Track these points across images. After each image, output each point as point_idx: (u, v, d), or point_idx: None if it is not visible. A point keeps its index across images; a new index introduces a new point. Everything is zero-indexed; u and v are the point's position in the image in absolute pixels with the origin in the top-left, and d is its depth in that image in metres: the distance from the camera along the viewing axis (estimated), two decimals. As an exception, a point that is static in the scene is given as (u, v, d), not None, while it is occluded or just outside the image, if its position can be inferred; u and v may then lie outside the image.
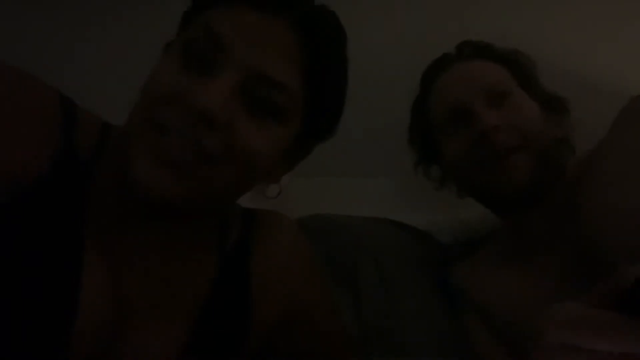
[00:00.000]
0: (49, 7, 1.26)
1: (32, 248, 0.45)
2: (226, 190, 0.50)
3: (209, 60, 0.47)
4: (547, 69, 0.90)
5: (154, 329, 0.52)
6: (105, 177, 0.51)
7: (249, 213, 0.63)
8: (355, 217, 1.01)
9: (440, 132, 0.85)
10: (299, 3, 0.51)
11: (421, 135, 0.92)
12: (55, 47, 1.24)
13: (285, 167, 0.57)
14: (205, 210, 0.56)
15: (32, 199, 0.46)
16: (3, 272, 0.43)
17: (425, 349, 0.79)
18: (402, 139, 0.96)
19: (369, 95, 1.12)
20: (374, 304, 0.85)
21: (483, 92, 0.79)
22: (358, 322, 0.83)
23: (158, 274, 0.53)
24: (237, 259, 0.59)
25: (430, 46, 0.92)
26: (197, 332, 0.54)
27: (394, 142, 0.96)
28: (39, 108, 0.48)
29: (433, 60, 0.91)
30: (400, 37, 1.21)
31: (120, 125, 0.55)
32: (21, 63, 0.49)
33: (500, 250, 0.86)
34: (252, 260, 0.60)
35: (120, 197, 0.51)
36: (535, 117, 0.80)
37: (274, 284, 0.61)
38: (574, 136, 0.87)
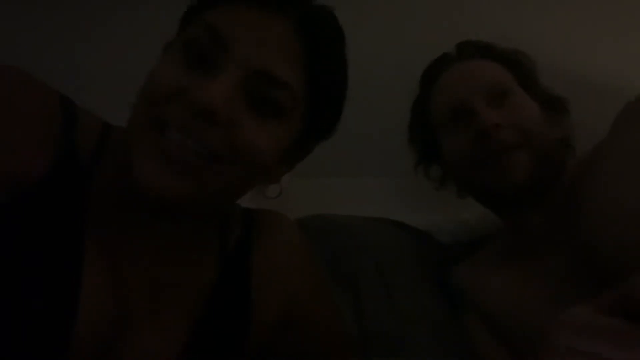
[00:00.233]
0: (48, 7, 1.26)
1: (33, 248, 0.45)
2: (229, 189, 0.50)
3: (211, 59, 0.47)
4: (547, 68, 0.90)
5: (154, 329, 0.52)
6: (106, 177, 0.51)
7: (249, 213, 0.63)
8: (356, 217, 1.01)
9: (440, 131, 0.86)
10: (300, 2, 0.51)
11: (421, 134, 0.92)
12: (55, 48, 1.23)
13: (286, 167, 0.57)
14: (207, 210, 0.55)
15: (32, 199, 0.46)
16: (3, 272, 0.43)
17: (425, 349, 0.79)
18: (402, 139, 0.96)
19: (369, 95, 1.12)
20: (374, 304, 0.85)
21: (483, 91, 0.79)
22: (358, 322, 0.83)
23: (158, 274, 0.53)
24: (237, 259, 0.59)
25: (430, 46, 0.92)
26: (197, 332, 0.54)
27: (394, 142, 0.96)
28: (39, 108, 0.48)
29: (433, 60, 0.91)
30: (401, 37, 1.21)
31: (120, 125, 0.55)
32: (21, 63, 0.49)
33: (500, 250, 0.86)
34: (252, 261, 0.60)
35: (121, 197, 0.51)
36: (535, 117, 0.80)
37: (274, 284, 0.61)
38: (574, 136, 0.87)
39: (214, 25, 0.47)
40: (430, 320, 0.83)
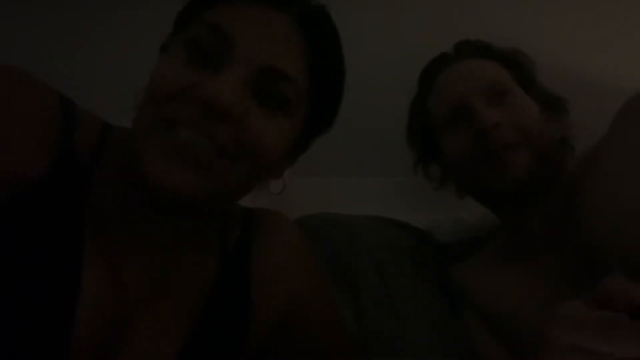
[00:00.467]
0: (48, 7, 1.26)
1: (32, 248, 0.45)
2: (238, 185, 0.51)
3: (215, 57, 0.47)
4: (547, 68, 0.90)
5: (154, 329, 0.52)
6: (106, 177, 0.51)
7: (249, 213, 0.63)
8: (356, 216, 1.01)
9: (440, 131, 0.86)
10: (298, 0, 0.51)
11: (420, 134, 0.92)
12: (55, 48, 1.24)
13: (289, 162, 0.58)
14: (215, 207, 0.56)
15: (32, 199, 0.46)
16: (3, 272, 0.43)
17: (425, 349, 0.79)
18: (402, 138, 0.96)
19: (369, 95, 1.12)
20: (374, 304, 0.85)
21: (483, 90, 0.80)
22: (358, 322, 0.83)
23: (158, 274, 0.53)
24: (237, 259, 0.59)
25: (430, 46, 0.92)
26: (197, 332, 0.54)
27: (394, 142, 0.96)
28: (39, 108, 0.48)
29: (432, 59, 0.91)
30: (400, 37, 1.21)
31: (120, 125, 0.55)
32: (21, 63, 0.49)
33: (500, 250, 0.86)
34: (252, 260, 0.60)
35: (121, 198, 0.51)
36: (534, 116, 0.80)
37: (274, 284, 0.61)
38: (574, 136, 0.87)
39: (218, 24, 0.48)
40: (430, 320, 0.83)
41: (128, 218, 0.51)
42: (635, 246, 0.60)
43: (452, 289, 0.86)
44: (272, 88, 0.48)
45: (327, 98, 0.55)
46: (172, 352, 0.52)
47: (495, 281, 0.81)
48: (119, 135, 0.53)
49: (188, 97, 0.45)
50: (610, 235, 0.65)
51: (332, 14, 0.56)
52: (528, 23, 1.19)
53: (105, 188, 0.51)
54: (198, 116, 0.45)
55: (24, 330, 0.43)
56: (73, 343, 0.44)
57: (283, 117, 0.50)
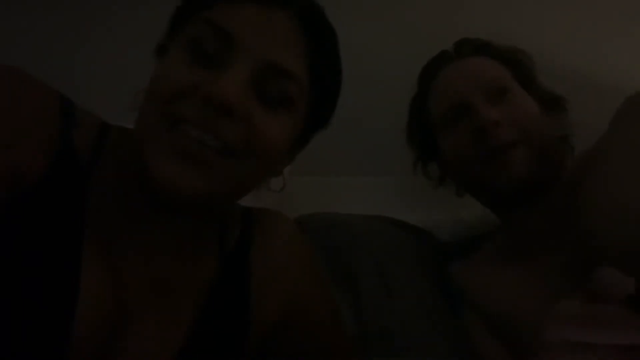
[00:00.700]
0: (48, 7, 1.26)
1: (32, 248, 0.45)
2: (243, 183, 0.51)
3: (218, 56, 0.47)
4: (547, 67, 0.90)
5: (153, 328, 0.52)
6: (105, 177, 0.51)
7: (249, 212, 0.63)
8: (355, 215, 1.01)
9: (439, 129, 0.86)
10: None
11: (420, 133, 0.92)
12: (55, 48, 1.24)
13: (289, 159, 0.58)
14: (220, 205, 0.56)
15: (31, 199, 0.46)
16: (2, 272, 0.43)
17: (425, 348, 0.79)
18: (401, 137, 0.96)
19: (368, 94, 1.12)
20: (374, 303, 0.85)
21: (482, 88, 0.80)
22: (358, 322, 0.83)
23: (158, 274, 0.53)
24: (237, 259, 0.59)
25: (429, 45, 0.92)
26: (197, 332, 0.54)
27: (394, 141, 0.96)
28: (39, 108, 0.48)
29: (431, 58, 0.91)
30: (399, 37, 1.21)
31: (120, 125, 0.55)
32: (21, 63, 0.49)
33: (499, 249, 0.86)
34: (252, 260, 0.60)
35: (120, 197, 0.51)
36: (534, 114, 0.80)
37: (274, 284, 0.61)
38: (574, 135, 0.87)
39: (219, 23, 0.48)
40: (429, 320, 0.83)
41: (128, 218, 0.51)
42: (635, 245, 0.60)
43: (452, 288, 0.86)
44: (275, 85, 0.49)
45: (326, 95, 0.56)
46: (172, 352, 0.52)
47: (495, 280, 0.81)
48: (119, 135, 0.54)
49: (193, 96, 0.46)
50: (610, 234, 0.65)
51: (332, 13, 0.56)
52: (527, 22, 1.19)
53: (104, 188, 0.51)
54: (204, 115, 0.45)
55: (23, 330, 0.43)
56: (72, 343, 0.44)
57: (286, 114, 0.50)
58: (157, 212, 0.52)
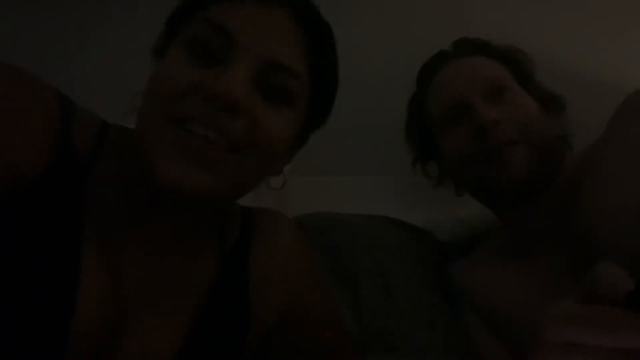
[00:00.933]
0: (48, 7, 1.26)
1: (31, 246, 0.45)
2: (246, 180, 0.52)
3: (219, 54, 0.48)
4: (545, 66, 0.90)
5: (153, 328, 0.52)
6: (105, 176, 0.51)
7: (248, 212, 0.63)
8: (355, 215, 1.01)
9: (438, 128, 0.86)
10: None
11: (419, 132, 0.92)
12: (54, 48, 1.24)
13: (288, 158, 0.59)
14: (221, 205, 0.57)
15: (31, 197, 0.46)
16: (2, 270, 0.43)
17: (424, 347, 0.79)
18: (401, 137, 0.96)
19: (367, 93, 1.12)
20: (374, 303, 0.85)
21: (481, 87, 0.80)
22: (357, 322, 0.83)
23: (157, 273, 0.53)
24: (237, 259, 0.59)
25: (428, 44, 0.92)
26: (197, 331, 0.54)
27: (393, 140, 0.97)
28: (38, 106, 0.48)
29: (430, 57, 0.92)
30: (398, 36, 1.21)
31: (119, 124, 0.55)
32: (21, 63, 0.49)
33: (499, 248, 0.86)
34: (252, 260, 0.60)
35: (121, 196, 0.51)
36: (533, 113, 0.80)
37: (274, 284, 0.61)
38: (573, 134, 0.87)
39: (219, 22, 0.48)
40: (429, 320, 0.83)
41: (127, 217, 0.51)
42: (635, 244, 0.60)
43: (452, 288, 0.87)
44: (277, 82, 0.49)
45: (325, 92, 0.56)
46: (172, 351, 0.52)
47: (494, 280, 0.81)
48: (118, 134, 0.54)
49: (196, 95, 0.46)
50: (610, 232, 0.65)
51: (332, 13, 0.57)
52: (526, 22, 1.19)
53: (104, 186, 0.51)
54: (208, 112, 0.46)
55: (23, 328, 0.43)
56: (71, 341, 0.44)
57: (287, 110, 0.51)
58: (157, 212, 0.52)
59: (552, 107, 0.85)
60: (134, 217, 0.52)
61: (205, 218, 0.57)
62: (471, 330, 0.81)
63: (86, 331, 0.46)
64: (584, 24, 1.18)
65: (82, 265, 0.47)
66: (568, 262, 0.72)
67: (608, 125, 0.73)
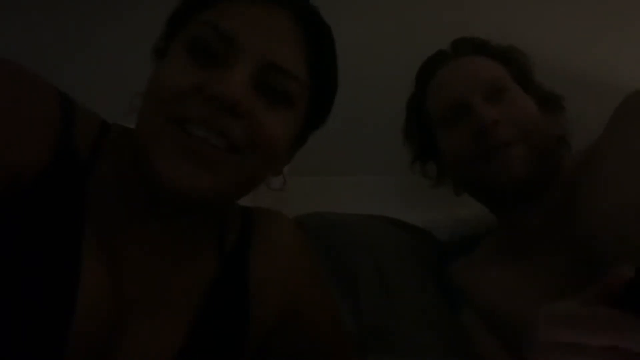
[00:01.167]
0: (48, 7, 1.26)
1: (31, 246, 0.45)
2: (248, 181, 0.52)
3: (220, 56, 0.48)
4: (544, 66, 0.90)
5: (152, 327, 0.52)
6: (105, 175, 0.51)
7: (248, 212, 0.63)
8: (354, 215, 1.01)
9: (438, 128, 0.86)
10: None
11: (417, 132, 0.92)
12: (54, 48, 1.24)
13: (288, 158, 0.59)
14: (221, 205, 0.57)
15: (31, 196, 0.46)
16: (2, 268, 0.43)
17: (423, 347, 0.79)
18: (399, 137, 0.96)
19: (366, 93, 1.12)
20: (373, 303, 0.85)
21: (480, 87, 0.80)
22: (357, 321, 0.83)
23: (158, 273, 0.53)
24: (237, 258, 0.59)
25: (427, 44, 0.92)
26: (197, 331, 0.54)
27: (392, 140, 0.97)
28: (38, 104, 0.48)
29: (429, 57, 0.92)
30: (397, 36, 1.22)
31: (119, 124, 0.55)
32: (21, 62, 0.49)
33: (498, 248, 0.86)
34: (252, 260, 0.60)
35: (121, 196, 0.51)
36: (532, 113, 0.80)
37: (274, 284, 0.61)
38: (572, 133, 0.87)
39: (219, 24, 0.48)
40: (429, 319, 0.83)
41: (127, 216, 0.52)
42: (634, 243, 0.60)
43: (451, 287, 0.87)
44: (276, 84, 0.49)
45: (325, 92, 0.56)
46: (171, 351, 0.52)
47: (493, 279, 0.81)
48: (118, 134, 0.54)
49: (197, 96, 0.46)
50: (609, 231, 0.65)
51: (332, 13, 0.57)
52: (526, 21, 1.19)
53: (104, 186, 0.51)
54: (208, 114, 0.46)
55: (22, 328, 0.43)
56: (71, 341, 0.44)
57: (287, 111, 0.51)
58: (157, 212, 0.52)
59: (551, 107, 0.85)
60: (134, 217, 0.52)
61: (205, 218, 0.57)
62: (471, 330, 0.81)
63: (86, 331, 0.46)
64: (584, 24, 1.18)
65: (82, 264, 0.47)
66: (568, 262, 0.72)
67: (607, 126, 0.73)
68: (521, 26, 1.15)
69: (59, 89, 0.51)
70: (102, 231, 0.50)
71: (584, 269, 0.67)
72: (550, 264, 0.74)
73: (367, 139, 1.18)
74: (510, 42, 0.89)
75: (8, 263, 0.44)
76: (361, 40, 1.15)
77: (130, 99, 0.52)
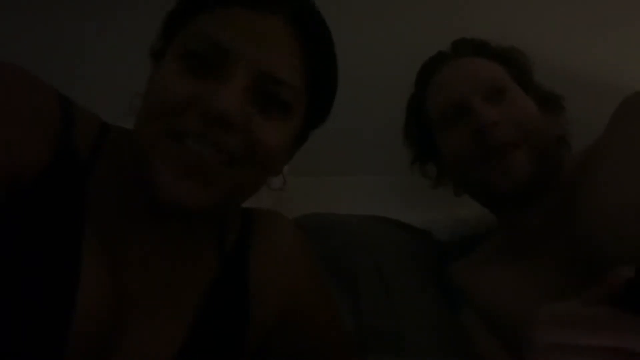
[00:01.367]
0: (49, 7, 1.26)
1: (31, 246, 0.45)
2: (246, 189, 0.52)
3: (215, 67, 0.48)
4: (544, 66, 0.90)
5: (153, 327, 0.52)
6: (104, 176, 0.51)
7: (248, 213, 0.63)
8: (353, 215, 1.01)
9: (438, 129, 0.86)
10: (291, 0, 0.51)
11: (417, 132, 0.92)
12: (54, 47, 1.24)
13: (287, 158, 0.59)
14: (221, 212, 0.57)
15: (31, 196, 0.46)
16: (2, 268, 0.43)
17: (423, 347, 0.79)
18: (399, 137, 0.96)
19: (366, 94, 1.12)
20: (373, 303, 0.85)
21: (481, 88, 0.80)
22: (357, 322, 0.83)
23: (158, 272, 0.53)
24: (237, 259, 0.59)
25: (427, 45, 0.92)
26: (197, 331, 0.54)
27: (392, 140, 0.96)
28: (37, 105, 0.48)
29: (429, 58, 0.91)
30: (397, 37, 1.21)
31: (119, 124, 0.55)
32: (21, 63, 0.49)
33: (498, 248, 0.86)
34: (252, 260, 0.60)
35: (120, 196, 0.51)
36: (533, 113, 0.80)
37: (274, 284, 0.61)
38: (572, 134, 0.87)
39: (214, 36, 0.48)
40: (429, 319, 0.83)
41: (127, 217, 0.52)
42: (635, 244, 0.60)
43: (451, 287, 0.87)
44: (272, 94, 0.49)
45: (324, 93, 0.56)
46: (172, 351, 0.52)
47: (493, 280, 0.81)
48: (118, 135, 0.54)
49: (192, 109, 0.46)
50: (609, 232, 0.65)
51: (332, 14, 0.56)
52: (526, 21, 1.19)
53: (104, 187, 0.51)
54: (204, 128, 0.46)
55: (22, 327, 0.43)
56: (71, 341, 0.44)
57: (284, 119, 0.51)
58: (157, 213, 0.52)
59: (551, 108, 0.85)
60: (134, 217, 0.52)
61: (205, 219, 0.57)
62: (470, 330, 0.81)
63: (86, 331, 0.46)
64: (584, 24, 1.18)
65: (82, 264, 0.47)
66: (568, 262, 0.72)
67: (607, 126, 0.73)
68: (521, 27, 1.15)
69: (59, 90, 0.51)
70: (102, 231, 0.50)
71: (584, 269, 0.67)
72: (550, 264, 0.74)
73: (366, 139, 1.18)
74: (510, 42, 0.89)
75: (8, 263, 0.44)
76: (361, 40, 1.15)
77: (130, 99, 0.52)
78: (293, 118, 0.52)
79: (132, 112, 0.50)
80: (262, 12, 0.49)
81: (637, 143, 0.68)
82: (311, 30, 0.52)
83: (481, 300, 0.81)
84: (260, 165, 0.50)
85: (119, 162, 0.52)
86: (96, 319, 0.47)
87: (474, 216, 1.01)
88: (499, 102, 0.79)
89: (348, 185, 1.15)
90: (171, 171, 0.45)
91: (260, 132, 0.48)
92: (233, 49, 0.47)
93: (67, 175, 0.49)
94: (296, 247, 0.65)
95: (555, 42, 1.16)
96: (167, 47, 0.52)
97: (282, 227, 0.65)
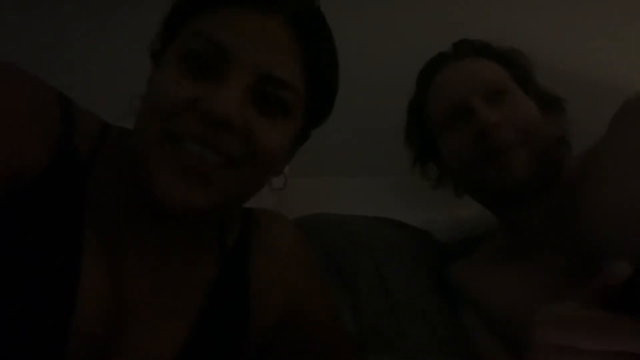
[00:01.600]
0: (48, 7, 1.26)
1: (31, 246, 0.45)
2: (247, 190, 0.52)
3: (215, 69, 0.48)
4: (545, 67, 0.90)
5: (153, 328, 0.52)
6: (105, 176, 0.51)
7: (249, 213, 0.63)
8: (354, 216, 1.01)
9: (438, 130, 0.86)
10: (292, 0, 0.51)
11: (418, 133, 0.92)
12: (55, 47, 1.24)
13: (288, 157, 0.59)
14: (221, 213, 0.57)
15: (31, 197, 0.46)
16: (2, 267, 0.43)
17: (423, 347, 0.79)
18: (400, 137, 0.96)
19: (366, 94, 1.12)
20: (373, 304, 0.85)
21: (481, 90, 0.80)
22: (357, 322, 0.83)
23: (158, 273, 0.53)
24: (237, 259, 0.59)
25: (428, 45, 0.92)
26: (197, 331, 0.54)
27: (392, 141, 0.97)
28: (38, 105, 0.48)
29: (430, 59, 0.91)
30: (398, 38, 1.22)
31: (119, 125, 0.55)
32: (21, 63, 0.49)
33: (498, 249, 0.86)
34: (252, 260, 0.60)
35: (121, 197, 0.51)
36: (533, 115, 0.80)
37: (274, 284, 0.61)
38: (573, 135, 0.87)
39: (213, 37, 0.48)
40: (429, 320, 0.83)
41: (127, 217, 0.52)
42: (634, 246, 0.60)
43: (451, 287, 0.87)
44: (272, 95, 0.49)
45: (324, 93, 0.56)
46: (172, 351, 0.52)
47: (494, 280, 0.81)
48: (118, 135, 0.54)
49: (192, 111, 0.46)
50: (609, 233, 0.65)
51: (332, 13, 0.56)
52: (526, 22, 1.19)
53: (104, 187, 0.51)
54: (204, 129, 0.46)
55: (22, 327, 0.43)
56: (71, 341, 0.44)
57: (284, 120, 0.51)
58: (156, 215, 0.52)
59: (552, 109, 0.85)
60: (134, 217, 0.52)
61: (205, 221, 0.57)
62: (471, 330, 0.81)
63: (86, 331, 0.46)
64: (584, 24, 1.19)
65: (82, 265, 0.47)
66: (568, 262, 0.72)
67: (609, 128, 0.73)
68: (521, 27, 1.15)
69: (59, 90, 0.51)
70: (102, 231, 0.50)
71: (584, 269, 0.67)
72: (550, 265, 0.74)
73: (367, 140, 1.18)
74: (511, 43, 0.89)
75: (8, 263, 0.44)
76: (362, 41, 1.15)
77: (130, 99, 0.52)
78: (293, 118, 0.52)
79: (132, 112, 0.50)
80: (262, 12, 0.49)
81: (637, 144, 0.68)
82: (312, 30, 0.52)
83: (481, 301, 0.81)
84: (260, 166, 0.50)
85: (120, 162, 0.52)
86: (96, 319, 0.47)
87: (474, 216, 1.01)
88: (499, 103, 0.79)
89: (348, 186, 1.15)
90: (170, 173, 0.45)
91: (260, 133, 0.48)
92: (232, 49, 0.47)
93: (67, 175, 0.49)
94: (296, 247, 0.65)
95: (555, 42, 1.16)
96: (167, 47, 0.52)
97: (283, 228, 0.65)
